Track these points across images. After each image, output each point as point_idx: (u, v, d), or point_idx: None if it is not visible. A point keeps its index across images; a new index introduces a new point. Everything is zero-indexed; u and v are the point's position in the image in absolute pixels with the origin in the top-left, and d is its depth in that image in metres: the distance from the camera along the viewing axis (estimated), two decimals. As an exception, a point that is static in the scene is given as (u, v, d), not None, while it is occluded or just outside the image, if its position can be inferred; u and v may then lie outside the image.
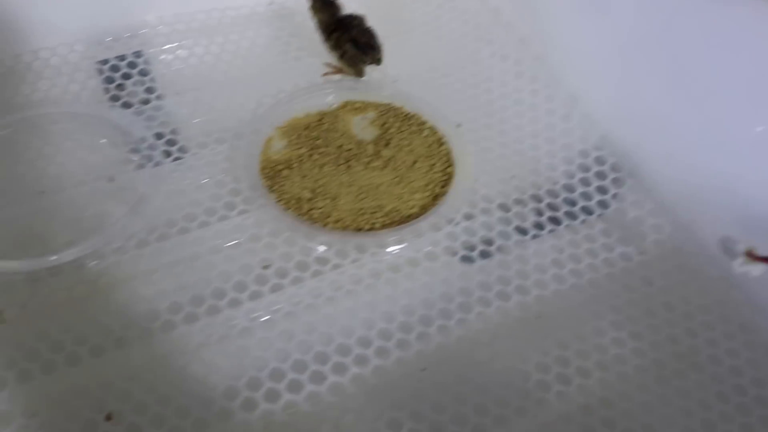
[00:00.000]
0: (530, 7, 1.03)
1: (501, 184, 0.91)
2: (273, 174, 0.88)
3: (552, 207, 0.89)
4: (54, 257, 0.78)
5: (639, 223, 0.88)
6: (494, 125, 0.97)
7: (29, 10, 0.95)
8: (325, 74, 1.00)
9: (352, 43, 0.95)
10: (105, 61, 0.99)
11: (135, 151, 0.89)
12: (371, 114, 0.96)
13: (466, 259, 0.84)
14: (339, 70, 0.99)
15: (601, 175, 0.92)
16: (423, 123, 0.95)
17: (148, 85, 0.98)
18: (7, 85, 0.95)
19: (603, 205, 0.90)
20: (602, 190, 0.90)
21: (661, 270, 0.84)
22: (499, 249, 0.85)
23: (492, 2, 1.08)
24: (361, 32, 0.96)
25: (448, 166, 0.91)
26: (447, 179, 0.89)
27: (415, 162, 0.91)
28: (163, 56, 1.01)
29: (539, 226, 0.87)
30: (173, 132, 0.93)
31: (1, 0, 0.93)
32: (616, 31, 0.93)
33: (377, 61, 0.97)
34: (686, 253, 0.85)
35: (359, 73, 0.98)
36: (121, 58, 1.00)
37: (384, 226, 0.84)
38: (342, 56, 0.96)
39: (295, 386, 0.73)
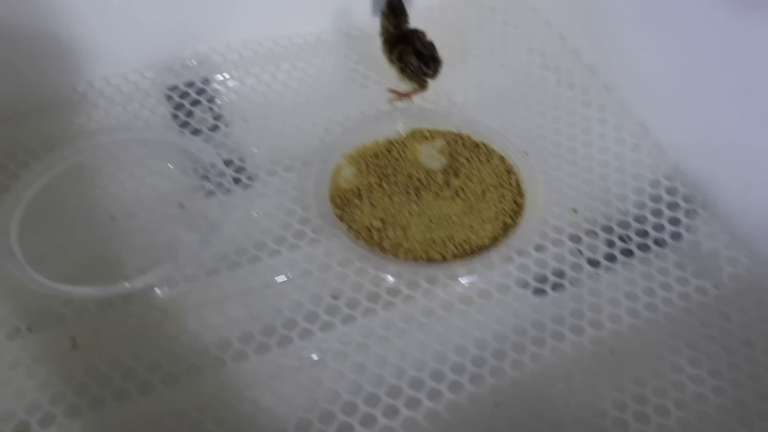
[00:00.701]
0: (597, 34, 1.02)
1: (571, 215, 0.89)
2: (343, 203, 0.88)
3: (623, 239, 0.87)
4: (126, 284, 0.78)
5: (714, 256, 0.85)
6: (562, 154, 0.95)
7: (101, 37, 0.96)
8: (393, 100, 0.99)
9: (415, 55, 0.95)
10: (174, 87, 1.00)
11: (205, 178, 0.89)
12: (439, 142, 0.95)
13: (539, 292, 0.82)
14: (405, 96, 0.98)
15: (673, 206, 0.89)
16: (491, 152, 0.94)
17: (216, 111, 0.98)
18: (80, 112, 0.96)
19: (676, 237, 0.87)
20: (674, 221, 0.88)
21: (738, 305, 0.82)
22: (572, 281, 0.83)
23: (558, 30, 1.07)
24: (423, 45, 0.96)
25: (518, 196, 0.89)
26: (517, 209, 0.88)
27: (484, 192, 0.89)
28: (230, 83, 1.02)
29: (611, 258, 0.85)
30: (241, 159, 0.93)
31: (74, 28, 0.94)
32: (687, 57, 0.90)
33: (436, 73, 0.96)
34: (765, 288, 0.82)
35: (422, 86, 0.97)
36: (190, 84, 1.00)
37: (455, 257, 0.83)
38: (403, 69, 0.96)
39: (367, 420, 0.72)
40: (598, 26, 1.02)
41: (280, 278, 0.81)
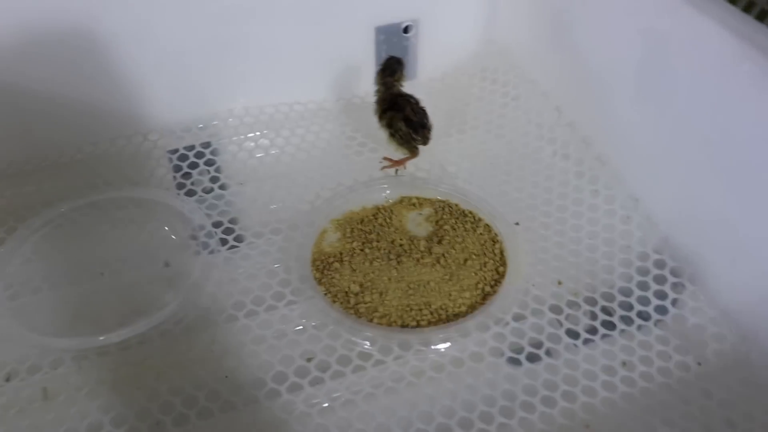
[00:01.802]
0: (592, 107, 1.02)
1: (554, 285, 0.88)
2: (324, 266, 0.89)
3: (606, 311, 0.86)
4: (102, 338, 0.80)
5: (699, 332, 0.83)
6: (552, 225, 0.95)
7: (109, 100, 1.01)
8: (384, 167, 1.01)
9: (404, 121, 0.96)
10: (175, 151, 1.03)
11: (193, 237, 0.92)
12: (427, 210, 0.96)
13: (513, 362, 0.81)
14: (396, 163, 1.00)
15: (660, 280, 0.88)
16: (478, 220, 0.95)
17: (212, 174, 1.02)
18: (85, 171, 1.00)
19: (661, 311, 0.86)
20: (661, 295, 0.87)
21: (722, 382, 0.79)
22: (548, 352, 0.82)
23: (555, 102, 1.07)
24: (414, 111, 0.97)
25: (501, 265, 0.89)
26: (498, 278, 0.88)
27: (467, 260, 0.89)
28: (230, 147, 1.05)
29: (592, 331, 0.84)
30: (232, 221, 0.95)
31: (83, 91, 0.99)
32: (679, 131, 0.90)
33: (426, 140, 0.97)
34: (751, 366, 0.80)
35: (412, 152, 0.98)
36: (190, 148, 1.04)
37: (430, 324, 0.83)
38: (393, 135, 0.97)
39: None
40: (593, 100, 1.02)
41: (254, 339, 0.82)
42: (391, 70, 1.00)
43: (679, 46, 0.87)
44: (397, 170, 1.01)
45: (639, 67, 0.92)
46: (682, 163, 0.91)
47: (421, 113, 0.98)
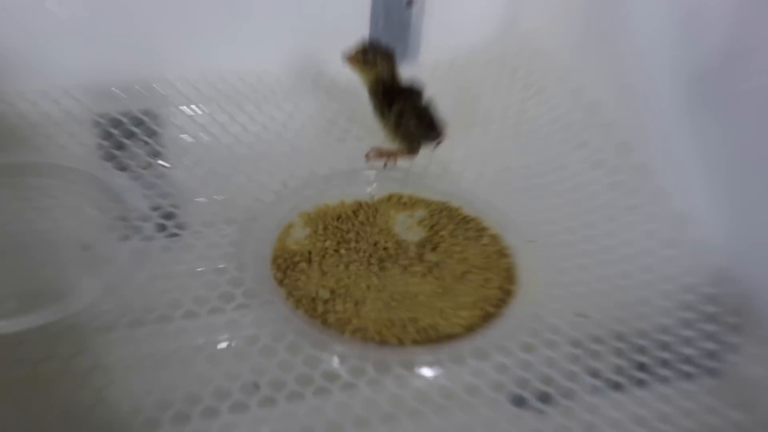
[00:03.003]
0: (635, 106, 1.04)
1: (573, 313, 0.88)
2: (287, 266, 0.89)
3: (641, 350, 0.86)
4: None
5: (760, 385, 0.83)
6: (576, 244, 0.96)
7: (22, 45, 1.02)
8: (368, 157, 1.02)
9: (416, 117, 0.98)
10: (105, 114, 1.05)
11: (122, 219, 0.92)
12: (420, 212, 0.97)
13: (517, 400, 0.81)
14: (389, 155, 1.01)
15: (712, 318, 0.89)
16: (483, 229, 0.96)
17: (154, 148, 1.03)
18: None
19: (712, 356, 0.86)
20: (712, 337, 0.87)
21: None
22: (564, 394, 0.82)
23: (588, 97, 1.10)
24: (425, 104, 0.99)
25: (508, 283, 0.90)
26: (504, 298, 0.88)
27: (466, 273, 0.90)
28: (179, 119, 1.06)
29: (621, 372, 0.84)
30: (175, 206, 0.96)
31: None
32: (744, 142, 0.92)
33: (438, 138, 0.99)
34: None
35: (413, 151, 1.00)
36: (126, 113, 1.05)
37: (415, 343, 0.83)
38: (398, 129, 0.99)
39: None
40: (636, 97, 1.04)
41: (191, 347, 0.82)
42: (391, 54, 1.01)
43: (755, 42, 0.88)
44: (386, 164, 1.01)
45: (697, 60, 0.94)
46: (746, 179, 0.92)
47: (433, 106, 1.00)
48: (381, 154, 1.02)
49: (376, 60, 1.00)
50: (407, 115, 0.98)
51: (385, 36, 1.15)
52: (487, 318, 0.86)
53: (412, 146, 1.00)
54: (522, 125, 1.11)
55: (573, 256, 0.95)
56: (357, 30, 1.13)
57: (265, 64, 1.12)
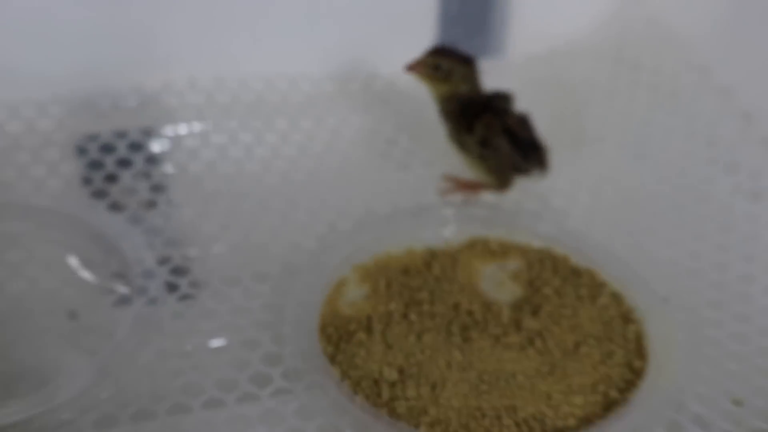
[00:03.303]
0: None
1: (728, 399, 0.89)
2: (339, 337, 0.92)
3: (814, 448, 0.87)
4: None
5: None
6: (727, 305, 0.98)
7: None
8: (447, 191, 1.04)
9: (508, 136, 1.00)
10: (93, 137, 1.06)
11: (118, 276, 0.94)
12: (515, 263, 1.00)
13: None
14: (469, 188, 1.03)
15: None
16: (600, 285, 0.98)
17: (156, 180, 1.04)
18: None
19: None
20: None
21: None
22: None
23: (741, 104, 1.11)
24: (518, 122, 1.01)
25: (638, 358, 0.91)
26: (633, 379, 0.90)
27: (579, 345, 0.92)
28: (187, 140, 1.09)
29: (796, 479, 0.85)
30: (186, 258, 0.98)
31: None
32: None
33: (541, 168, 1.01)
34: None
35: (503, 184, 1.02)
36: (120, 134, 1.07)
37: (515, 441, 0.84)
38: (485, 155, 1.00)
39: None
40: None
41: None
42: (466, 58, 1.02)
43: None
44: (466, 198, 1.04)
45: None
46: None
47: (527, 125, 1.01)
48: (459, 185, 1.04)
49: (452, 71, 1.01)
50: (495, 139, 1.00)
51: (460, 25, 1.17)
52: (608, 406, 0.88)
53: (501, 180, 1.02)
54: (647, 142, 1.13)
55: (724, 321, 0.96)
56: (421, 18, 1.16)
57: (302, 65, 1.14)
